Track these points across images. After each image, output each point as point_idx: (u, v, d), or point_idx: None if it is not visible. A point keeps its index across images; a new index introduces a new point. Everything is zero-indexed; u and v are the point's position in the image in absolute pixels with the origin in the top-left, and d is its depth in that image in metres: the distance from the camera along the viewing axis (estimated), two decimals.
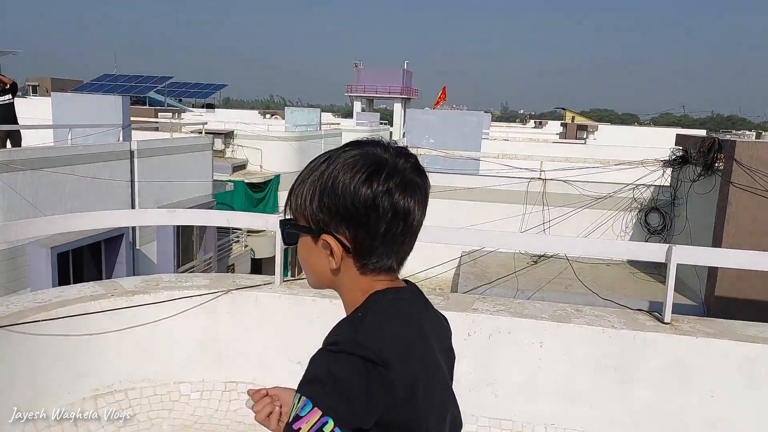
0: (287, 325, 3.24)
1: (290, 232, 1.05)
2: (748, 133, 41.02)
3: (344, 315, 1.08)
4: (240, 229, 20.23)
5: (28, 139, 13.54)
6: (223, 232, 19.09)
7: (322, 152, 1.05)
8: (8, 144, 11.80)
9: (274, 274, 3.38)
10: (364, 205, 0.96)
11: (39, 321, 2.74)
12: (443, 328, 1.16)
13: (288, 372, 3.22)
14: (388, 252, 1.01)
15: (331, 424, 0.89)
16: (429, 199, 1.05)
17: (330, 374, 0.92)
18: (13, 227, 2.79)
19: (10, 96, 12.07)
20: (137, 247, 13.43)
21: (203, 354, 3.25)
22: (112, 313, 3.01)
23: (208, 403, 3.24)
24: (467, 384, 3.07)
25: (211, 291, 3.24)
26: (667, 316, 2.96)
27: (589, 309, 3.17)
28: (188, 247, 15.44)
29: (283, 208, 1.10)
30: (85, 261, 11.77)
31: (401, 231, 0.99)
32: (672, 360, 2.86)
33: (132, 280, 3.33)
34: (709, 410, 2.85)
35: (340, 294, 1.07)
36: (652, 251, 2.98)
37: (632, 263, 9.75)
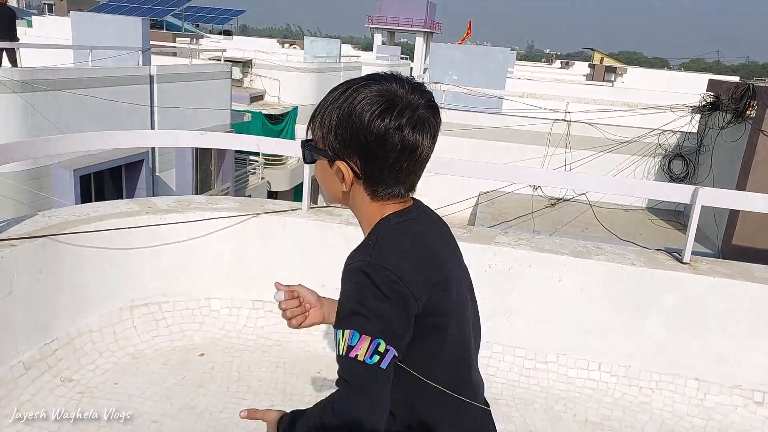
0: (313, 249, 3.34)
1: (309, 152, 1.14)
2: None
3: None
4: (257, 161, 20.34)
5: (49, 58, 13.45)
6: (240, 162, 19.21)
7: (343, 81, 1.11)
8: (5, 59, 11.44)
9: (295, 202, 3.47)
10: (376, 139, 1.04)
11: (80, 233, 2.87)
12: (447, 232, 1.26)
13: None
14: (396, 181, 1.10)
15: (383, 343, 1.00)
16: (439, 134, 1.12)
17: (362, 305, 1.02)
18: (54, 141, 2.87)
19: None
20: (156, 174, 13.60)
21: (232, 273, 3.39)
22: (148, 229, 3.13)
23: (236, 319, 3.41)
24: (484, 312, 3.16)
25: (241, 213, 3.34)
26: (687, 256, 3.02)
27: (610, 247, 3.23)
28: (206, 176, 15.59)
29: (306, 129, 1.16)
30: (105, 184, 11.99)
31: (409, 163, 1.08)
32: (688, 298, 2.94)
33: (165, 199, 3.43)
34: (719, 347, 2.95)
35: (354, 213, 1.18)
36: (678, 192, 3.00)
37: (651, 210, 9.73)
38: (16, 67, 11.40)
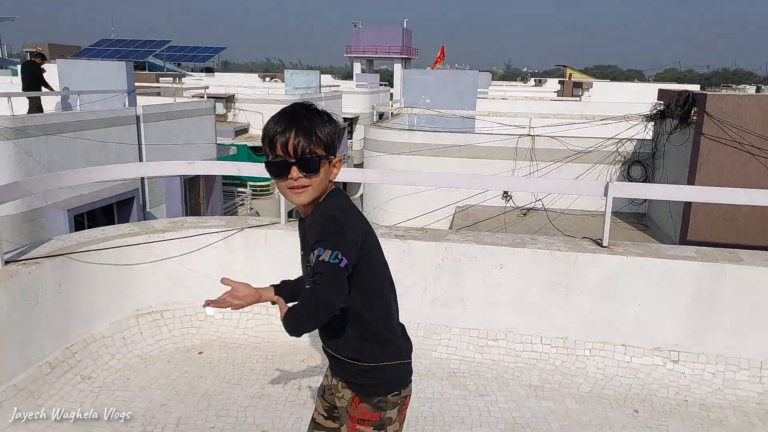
0: (291, 257, 3.84)
1: (318, 160, 1.61)
2: (748, 87, 41.03)
3: None
4: (245, 192, 20.89)
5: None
6: (229, 194, 19.73)
7: (300, 106, 1.63)
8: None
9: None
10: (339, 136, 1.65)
11: (91, 251, 3.38)
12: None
13: None
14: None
15: (339, 254, 1.52)
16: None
17: (325, 236, 1.55)
18: (49, 178, 3.39)
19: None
20: (147, 210, 14.07)
21: None
22: (147, 246, 3.64)
23: (228, 322, 3.91)
24: (442, 301, 3.72)
25: (228, 229, 3.87)
26: (605, 241, 3.58)
27: (543, 238, 3.79)
28: (196, 209, 16.07)
29: (298, 148, 1.60)
30: (98, 222, 12.43)
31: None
32: (607, 276, 3.49)
33: (161, 221, 3.95)
34: (636, 315, 3.49)
35: (317, 193, 1.66)
36: (592, 187, 3.57)
37: (615, 214, 10.36)
38: (40, 113, 12.34)
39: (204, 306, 1.76)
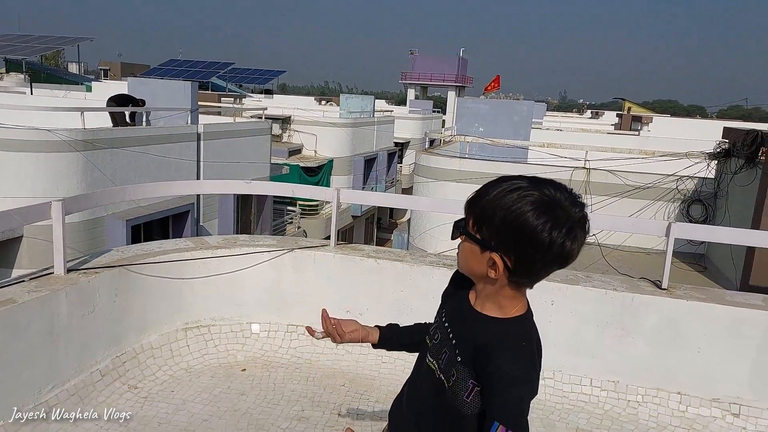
0: (339, 279, 3.88)
1: (461, 234, 1.27)
2: None
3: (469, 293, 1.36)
4: (294, 211, 21.27)
5: (104, 120, 14.73)
6: (278, 213, 20.14)
7: (511, 175, 1.22)
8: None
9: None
10: (540, 248, 1.14)
11: (147, 263, 3.49)
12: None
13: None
14: (535, 279, 1.25)
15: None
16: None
17: (520, 405, 1.20)
18: (118, 191, 3.54)
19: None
20: (201, 224, 14.48)
21: (270, 300, 3.94)
22: (200, 262, 3.73)
23: (273, 341, 3.94)
24: None
25: (278, 249, 3.92)
26: (665, 283, 3.42)
27: (598, 275, 3.66)
28: (246, 226, 16.47)
29: (464, 209, 1.28)
30: (154, 233, 12.89)
31: (558, 267, 1.21)
32: (665, 320, 3.33)
33: (215, 238, 4.05)
34: (694, 363, 3.31)
35: (481, 286, 1.31)
36: (655, 226, 3.43)
37: (673, 254, 9.95)
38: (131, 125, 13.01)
39: (310, 334, 1.70)
